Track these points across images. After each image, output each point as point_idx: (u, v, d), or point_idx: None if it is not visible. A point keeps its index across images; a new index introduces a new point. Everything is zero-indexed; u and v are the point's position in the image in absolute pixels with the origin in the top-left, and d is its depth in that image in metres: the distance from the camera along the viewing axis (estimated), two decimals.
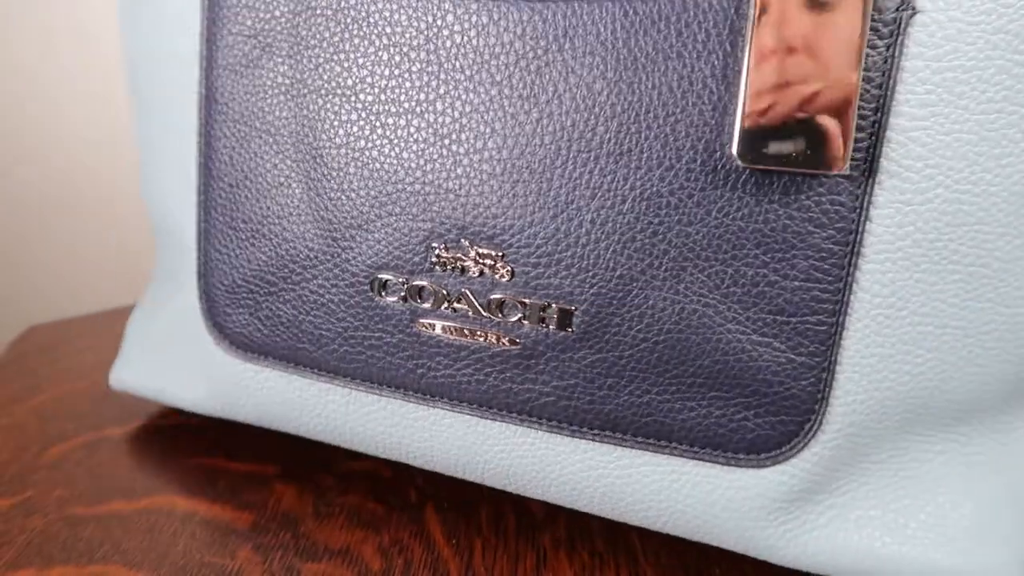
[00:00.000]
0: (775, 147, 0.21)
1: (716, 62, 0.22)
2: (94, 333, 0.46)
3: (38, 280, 0.70)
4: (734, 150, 0.21)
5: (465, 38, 0.24)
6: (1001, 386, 0.25)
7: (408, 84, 0.25)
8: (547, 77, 0.23)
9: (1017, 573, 0.26)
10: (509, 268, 0.24)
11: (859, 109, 0.21)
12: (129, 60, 0.32)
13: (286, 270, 0.27)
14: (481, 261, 0.25)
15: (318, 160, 0.26)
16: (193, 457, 0.32)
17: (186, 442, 0.34)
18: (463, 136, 0.24)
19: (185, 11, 0.28)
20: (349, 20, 0.25)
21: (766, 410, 0.24)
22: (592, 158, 0.23)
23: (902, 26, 0.21)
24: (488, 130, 0.24)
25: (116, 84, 0.65)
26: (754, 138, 0.21)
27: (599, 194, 0.23)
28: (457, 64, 0.24)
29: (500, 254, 0.24)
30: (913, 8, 0.21)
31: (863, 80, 0.21)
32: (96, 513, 0.28)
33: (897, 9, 0.21)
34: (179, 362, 0.32)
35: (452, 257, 0.25)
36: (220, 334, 0.30)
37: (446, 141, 0.24)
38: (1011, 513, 0.26)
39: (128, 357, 0.35)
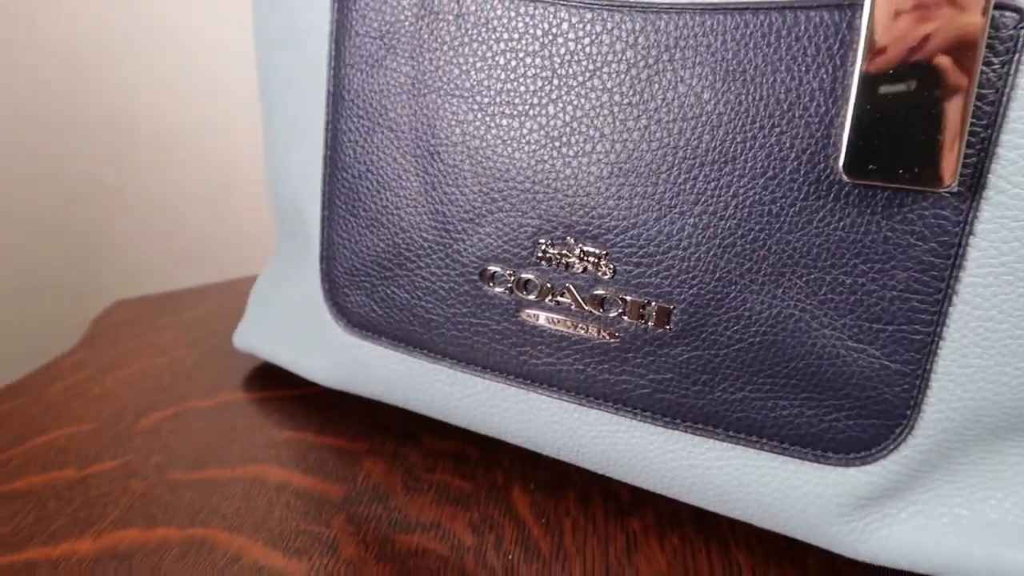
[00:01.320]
0: (881, 164, 0.21)
1: (825, 76, 0.22)
2: (172, 311, 0.50)
3: (121, 259, 0.75)
4: (840, 165, 0.22)
5: (579, 45, 0.25)
6: None
7: (523, 88, 0.26)
8: (656, 85, 0.24)
9: None
10: (612, 266, 0.26)
11: (970, 126, 0.21)
12: (261, 61, 0.34)
13: (402, 257, 0.30)
14: (585, 258, 0.26)
15: (435, 156, 0.28)
16: (282, 430, 0.35)
17: (273, 416, 0.36)
18: (573, 139, 0.26)
19: (315, 13, 0.30)
20: (469, 25, 0.27)
21: (858, 413, 0.24)
22: (697, 165, 0.24)
23: (1019, 43, 0.21)
24: (597, 134, 0.25)
25: (199, 73, 0.69)
26: (859, 153, 0.22)
27: (702, 199, 0.24)
28: (570, 70, 0.25)
29: (604, 252, 0.26)
30: None
31: (976, 97, 0.21)
32: (194, 479, 0.31)
33: (1015, 27, 0.21)
34: (300, 334, 0.35)
35: (558, 253, 0.27)
36: (339, 313, 0.32)
37: (557, 143, 0.26)
38: None
39: (252, 321, 0.39)
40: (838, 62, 0.22)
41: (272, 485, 0.31)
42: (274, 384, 0.39)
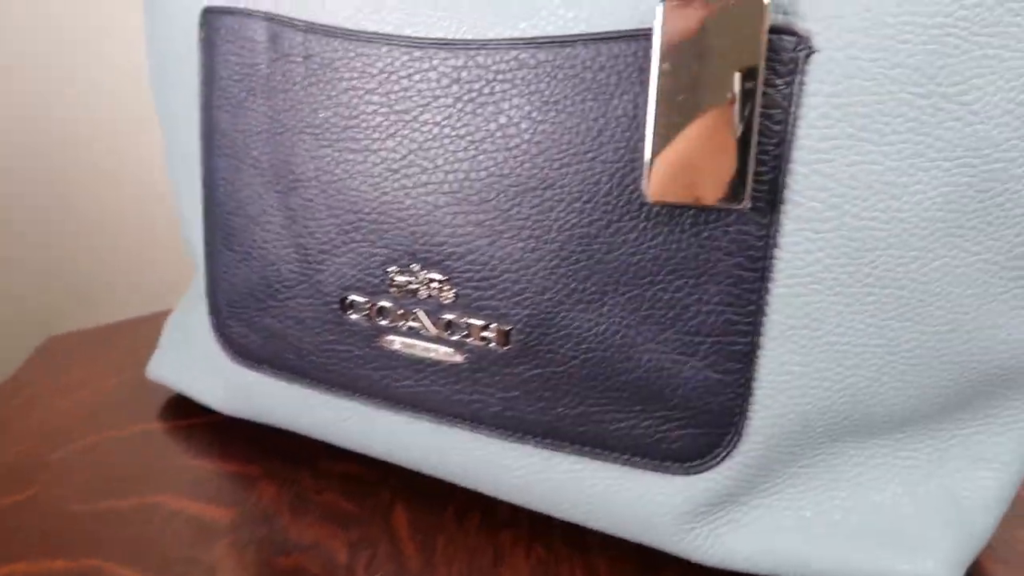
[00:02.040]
0: (679, 184, 0.22)
1: (627, 103, 0.23)
2: (106, 343, 0.51)
3: (68, 289, 0.76)
4: (644, 187, 0.23)
5: (411, 82, 0.26)
6: (932, 399, 0.26)
7: (364, 124, 0.27)
8: (480, 117, 0.25)
9: (956, 574, 0.26)
10: (454, 291, 0.27)
11: (761, 145, 0.22)
12: (157, 102, 0.36)
13: (272, 289, 0.31)
14: (430, 284, 0.27)
15: (294, 191, 0.29)
16: (186, 458, 0.36)
17: (181, 444, 0.37)
18: (411, 171, 0.27)
19: (189, 58, 0.32)
20: (315, 66, 0.28)
21: (689, 422, 0.25)
22: (521, 191, 0.25)
23: (800, 64, 0.22)
24: (432, 166, 0.26)
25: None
26: (659, 176, 0.23)
27: (528, 224, 0.25)
28: (405, 106, 0.26)
29: (446, 277, 0.27)
30: (810, 47, 0.22)
31: (765, 117, 0.22)
32: (93, 510, 0.32)
33: (795, 49, 0.22)
34: (200, 363, 0.37)
35: (406, 281, 0.28)
36: (226, 343, 0.33)
37: (397, 176, 0.27)
38: (948, 515, 0.27)
39: (164, 352, 0.40)
40: (638, 89, 0.23)
41: (167, 513, 0.32)
42: (186, 413, 0.41)
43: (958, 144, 0.22)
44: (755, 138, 0.22)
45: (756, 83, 0.22)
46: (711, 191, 0.22)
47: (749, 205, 0.23)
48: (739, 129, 0.22)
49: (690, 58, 0.22)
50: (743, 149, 0.22)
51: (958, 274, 0.24)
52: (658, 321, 0.25)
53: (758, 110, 0.22)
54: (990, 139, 0.22)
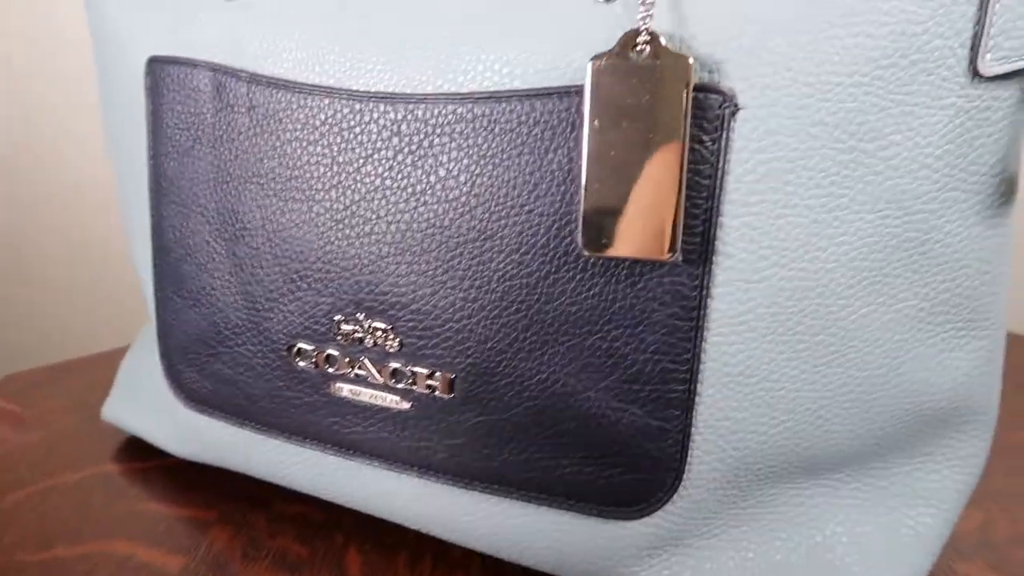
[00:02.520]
0: (612, 239, 0.23)
1: (562, 157, 0.24)
2: (61, 382, 0.50)
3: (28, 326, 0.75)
4: (578, 239, 0.24)
5: (351, 134, 0.27)
6: (868, 441, 0.26)
7: (308, 174, 0.28)
8: (420, 170, 0.26)
9: None
10: (399, 339, 0.27)
11: (691, 199, 0.23)
12: (105, 133, 0.36)
13: (221, 335, 0.31)
14: (374, 333, 0.27)
15: (240, 239, 0.29)
16: (139, 502, 0.36)
17: (135, 488, 0.37)
18: (354, 221, 0.27)
19: (137, 106, 0.32)
20: (260, 116, 0.28)
21: (630, 468, 0.26)
22: (461, 242, 0.25)
23: (726, 122, 0.22)
24: (374, 216, 0.27)
25: None
26: (593, 229, 0.23)
27: (469, 275, 0.26)
28: (347, 157, 0.27)
29: (390, 326, 0.27)
30: (735, 105, 0.22)
31: (694, 172, 0.23)
32: (41, 558, 0.32)
33: (720, 107, 0.22)
34: (153, 407, 0.36)
35: (351, 329, 0.28)
36: (178, 388, 0.33)
37: (341, 225, 0.27)
38: (888, 553, 0.27)
39: (118, 395, 0.40)
40: (572, 144, 0.24)
41: (117, 560, 0.32)
42: (142, 455, 0.40)
43: (880, 197, 0.23)
44: (683, 193, 0.23)
45: (683, 140, 0.22)
46: (640, 245, 0.23)
47: (680, 258, 0.23)
48: (665, 187, 0.22)
49: (619, 115, 0.22)
50: (672, 203, 0.22)
51: (886, 320, 0.24)
52: (598, 369, 0.25)
53: (685, 166, 0.22)
54: (910, 192, 0.23)
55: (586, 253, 0.24)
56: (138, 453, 0.40)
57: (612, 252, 0.23)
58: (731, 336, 0.24)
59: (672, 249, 0.23)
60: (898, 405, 0.26)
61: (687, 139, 0.22)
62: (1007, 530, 0.34)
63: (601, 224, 0.23)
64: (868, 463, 0.27)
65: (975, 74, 0.22)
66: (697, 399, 0.25)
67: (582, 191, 0.23)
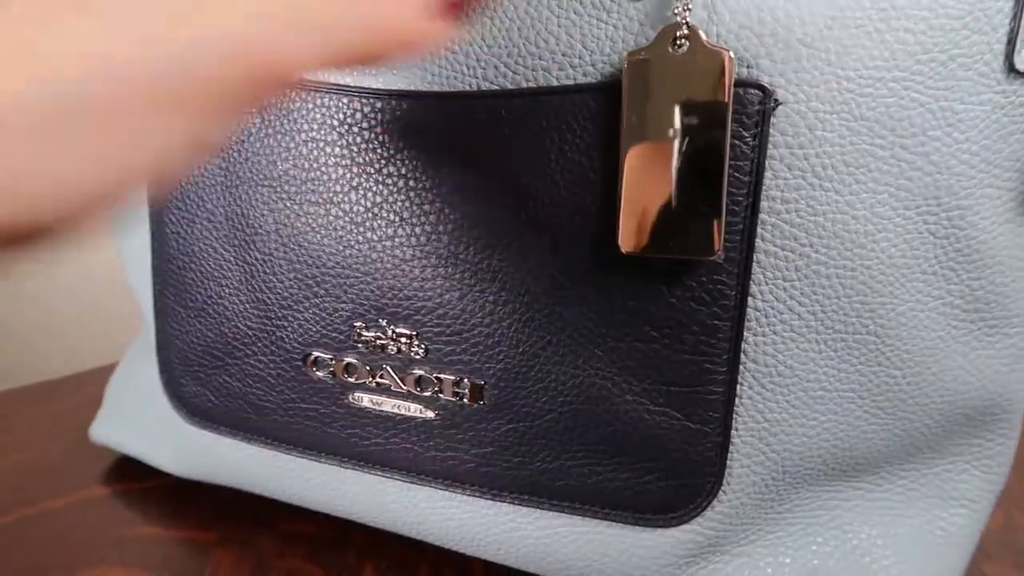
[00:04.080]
0: (653, 237, 0.22)
1: (596, 155, 0.23)
2: (45, 402, 0.48)
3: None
4: (618, 240, 0.23)
5: (372, 134, 0.26)
6: (902, 441, 0.26)
7: (326, 176, 0.27)
8: (447, 169, 0.25)
9: None
10: (424, 345, 0.26)
11: (731, 195, 0.23)
12: None
13: (230, 346, 0.29)
14: (398, 339, 0.26)
15: (251, 245, 0.28)
16: (132, 526, 0.34)
17: (127, 511, 0.35)
18: (376, 224, 0.26)
19: None
20: (272, 117, 0.27)
21: (668, 473, 0.25)
22: (491, 244, 0.25)
23: (766, 117, 0.22)
24: (398, 219, 0.26)
25: None
26: (633, 229, 0.23)
27: (499, 277, 0.25)
28: (368, 158, 0.26)
29: (415, 332, 0.26)
30: (776, 100, 0.22)
31: (734, 169, 0.22)
32: None
33: (760, 102, 0.22)
34: (149, 424, 0.35)
35: (373, 336, 0.27)
36: (179, 402, 0.32)
37: (361, 229, 0.26)
38: (921, 554, 0.27)
39: (108, 414, 0.38)
40: (611, 141, 0.23)
41: None
42: (132, 476, 0.38)
43: (919, 193, 0.23)
44: (725, 189, 0.22)
45: (724, 135, 0.22)
46: (683, 244, 0.22)
47: (722, 256, 0.23)
48: (709, 182, 0.22)
49: (658, 111, 0.22)
50: (714, 200, 0.22)
51: (922, 319, 0.24)
52: (635, 372, 0.24)
53: (727, 162, 0.22)
54: (948, 188, 0.23)
55: (625, 252, 0.23)
56: (129, 474, 0.38)
57: (653, 252, 0.23)
58: (771, 336, 0.24)
59: (717, 248, 0.22)
60: (932, 404, 0.25)
61: (728, 135, 0.22)
62: None
63: (641, 223, 0.23)
64: (900, 465, 0.27)
65: (1011, 69, 0.22)
66: (737, 401, 0.24)
67: (621, 189, 0.23)
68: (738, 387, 0.24)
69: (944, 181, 0.23)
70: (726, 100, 0.22)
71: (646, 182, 0.22)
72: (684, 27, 0.21)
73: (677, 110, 0.22)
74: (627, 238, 0.23)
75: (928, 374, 0.25)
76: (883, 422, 0.25)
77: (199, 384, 0.31)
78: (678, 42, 0.22)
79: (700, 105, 0.22)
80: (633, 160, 0.22)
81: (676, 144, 0.22)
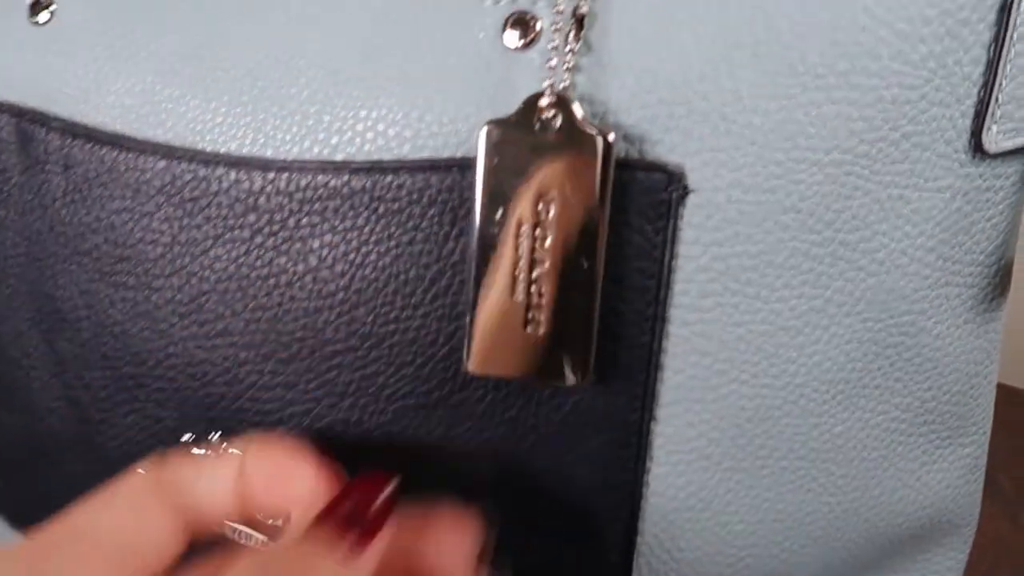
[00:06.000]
0: (508, 359, 0.18)
1: (464, 247, 0.18)
2: None
3: None
4: (466, 359, 0.18)
5: (196, 206, 0.20)
6: (837, 567, 0.22)
7: (142, 255, 0.21)
8: (285, 256, 0.20)
9: None
10: None
11: (631, 303, 0.18)
12: None
13: (43, 448, 0.24)
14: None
15: (61, 333, 0.23)
16: None
17: None
18: (203, 317, 0.21)
19: None
20: (79, 178, 0.22)
21: None
22: (340, 351, 0.20)
23: (673, 208, 0.17)
24: (228, 311, 0.21)
25: None
26: (485, 347, 0.18)
27: (351, 391, 0.20)
28: (191, 235, 0.21)
29: None
30: (685, 187, 0.17)
31: (635, 272, 0.18)
32: None
33: (665, 189, 0.17)
34: None
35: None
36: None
37: (186, 322, 0.21)
38: None
39: None
40: (461, 235, 0.18)
41: None
42: None
43: (861, 298, 0.18)
44: (598, 299, 0.17)
45: (596, 240, 0.17)
46: (546, 372, 0.18)
47: (590, 381, 0.18)
48: (580, 291, 0.17)
49: (518, 201, 0.17)
50: (585, 313, 0.17)
51: (862, 438, 0.20)
52: (518, 509, 0.20)
53: (601, 265, 0.17)
54: (898, 291, 0.18)
55: (473, 372, 0.18)
56: None
57: (504, 372, 0.18)
58: (680, 466, 0.19)
59: (582, 375, 0.18)
60: (873, 530, 0.21)
61: (604, 233, 0.17)
62: None
63: (495, 341, 0.18)
64: None
65: (977, 149, 0.18)
66: (639, 540, 0.20)
67: (469, 294, 0.18)
68: (640, 524, 0.20)
69: (892, 283, 0.18)
70: (598, 191, 0.17)
71: (499, 288, 0.18)
72: (550, 94, 0.16)
73: (541, 201, 0.17)
74: (477, 357, 0.18)
75: (869, 499, 0.21)
76: (816, 553, 0.21)
77: (14, 488, 0.26)
78: (544, 114, 0.17)
79: (571, 194, 0.17)
80: (484, 260, 0.18)
81: (539, 242, 0.17)
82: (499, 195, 0.17)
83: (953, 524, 0.23)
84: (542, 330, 0.18)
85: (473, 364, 0.18)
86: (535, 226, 0.17)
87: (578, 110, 0.16)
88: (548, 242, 0.17)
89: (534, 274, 0.18)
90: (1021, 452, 0.36)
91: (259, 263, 0.20)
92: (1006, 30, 0.16)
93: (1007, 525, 0.31)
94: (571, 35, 0.17)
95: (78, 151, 0.22)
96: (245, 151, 0.20)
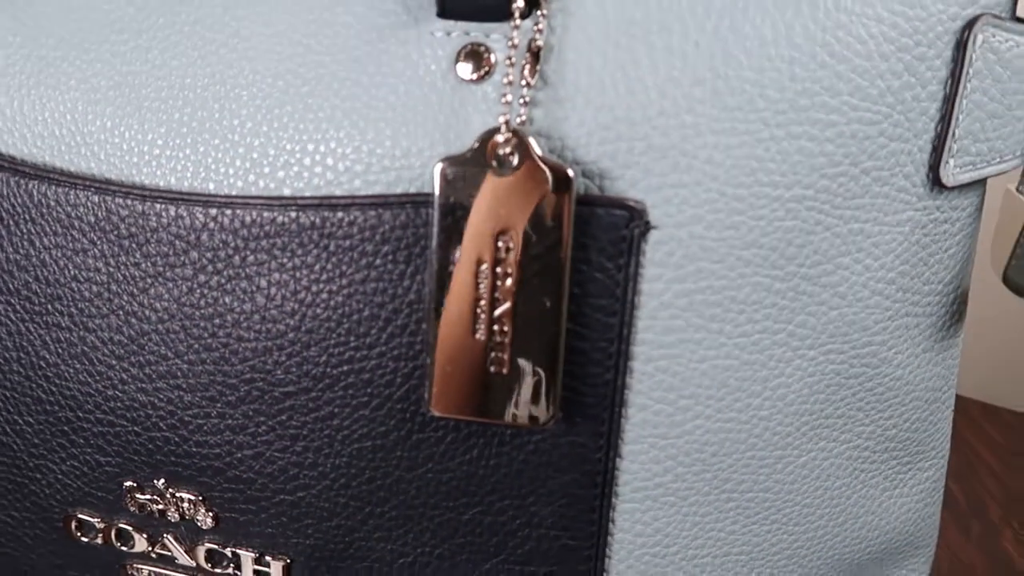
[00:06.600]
0: (470, 400, 0.17)
1: (420, 285, 0.18)
2: None
3: None
4: (428, 400, 0.18)
5: (134, 243, 0.19)
6: None
7: (76, 294, 0.20)
8: (231, 295, 0.19)
9: None
10: (213, 512, 0.20)
11: (594, 341, 0.18)
12: None
13: None
14: (180, 505, 0.21)
15: None
16: None
17: None
18: (143, 359, 0.20)
19: None
20: (5, 213, 0.20)
21: None
22: (292, 392, 0.19)
23: (634, 245, 0.17)
24: (171, 353, 0.20)
25: None
26: (448, 389, 0.17)
27: (304, 434, 0.19)
28: (128, 274, 0.20)
29: (201, 497, 0.20)
30: (647, 223, 0.17)
31: (596, 309, 0.17)
32: None
33: (627, 226, 0.17)
34: None
35: (149, 499, 0.21)
36: None
37: (124, 364, 0.20)
38: None
39: None
40: (418, 273, 0.18)
41: None
42: None
43: (823, 331, 0.18)
44: (563, 337, 0.17)
45: (561, 269, 0.17)
46: (507, 406, 0.17)
47: (555, 420, 0.17)
48: (543, 327, 0.17)
49: (475, 239, 0.17)
50: (549, 352, 0.17)
51: (825, 467, 0.20)
52: (480, 549, 0.19)
53: (564, 303, 0.17)
54: (859, 323, 0.18)
55: (434, 414, 0.18)
56: None
57: (467, 414, 0.17)
58: (646, 502, 0.19)
59: (547, 414, 0.17)
60: (836, 556, 0.21)
61: (567, 271, 0.17)
62: None
63: (457, 382, 0.17)
64: None
65: (936, 183, 0.18)
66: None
67: (429, 334, 0.17)
68: (606, 562, 0.20)
69: (854, 315, 0.18)
70: (556, 237, 0.16)
71: (458, 328, 0.17)
72: (505, 130, 0.16)
73: (498, 239, 0.16)
74: (438, 399, 0.17)
75: (832, 526, 0.21)
76: None
77: None
78: (500, 150, 0.16)
79: (531, 232, 0.16)
80: (441, 299, 0.17)
81: (498, 282, 0.17)
82: (456, 233, 0.17)
83: (914, 546, 0.23)
84: (505, 369, 0.17)
85: (435, 405, 0.17)
86: (495, 264, 0.17)
87: (536, 146, 0.16)
88: (509, 281, 0.17)
89: (495, 313, 0.17)
90: (974, 464, 0.37)
91: (203, 302, 0.19)
92: (962, 66, 0.16)
93: (960, 538, 0.32)
94: (526, 69, 0.16)
95: (3, 185, 0.20)
96: (186, 185, 0.19)
